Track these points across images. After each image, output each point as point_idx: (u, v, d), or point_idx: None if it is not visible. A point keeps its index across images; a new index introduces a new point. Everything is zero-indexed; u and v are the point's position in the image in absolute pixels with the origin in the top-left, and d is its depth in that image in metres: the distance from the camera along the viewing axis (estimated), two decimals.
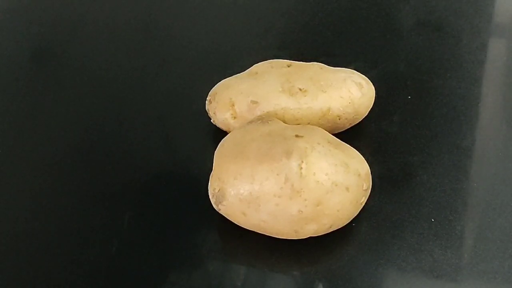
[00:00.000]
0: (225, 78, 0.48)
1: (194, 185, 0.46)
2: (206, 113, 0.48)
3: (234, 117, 0.46)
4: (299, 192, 0.37)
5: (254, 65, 0.48)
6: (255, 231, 0.40)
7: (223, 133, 0.47)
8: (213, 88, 0.48)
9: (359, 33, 0.59)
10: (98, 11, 0.64)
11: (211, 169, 0.41)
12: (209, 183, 0.41)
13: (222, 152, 0.41)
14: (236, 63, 0.52)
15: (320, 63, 0.47)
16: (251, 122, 0.42)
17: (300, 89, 0.44)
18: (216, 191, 0.40)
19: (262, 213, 0.38)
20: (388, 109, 0.50)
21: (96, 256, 0.41)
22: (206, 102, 0.47)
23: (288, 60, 0.47)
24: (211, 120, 0.47)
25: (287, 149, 0.38)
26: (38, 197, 0.45)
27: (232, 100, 0.45)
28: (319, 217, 0.38)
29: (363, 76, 0.47)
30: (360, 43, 0.58)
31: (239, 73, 0.48)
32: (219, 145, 0.42)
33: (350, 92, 0.45)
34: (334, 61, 0.48)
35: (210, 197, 0.41)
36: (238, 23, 0.62)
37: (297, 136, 0.39)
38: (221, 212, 0.40)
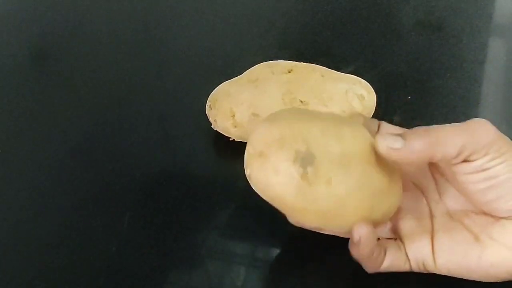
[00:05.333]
0: (225, 77, 0.48)
1: (194, 185, 0.46)
2: (206, 113, 0.48)
3: (235, 126, 0.46)
4: (383, 166, 0.35)
5: (254, 67, 0.47)
6: (317, 222, 0.35)
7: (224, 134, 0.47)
8: (213, 92, 0.47)
9: (359, 33, 0.59)
10: (98, 12, 0.64)
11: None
12: (276, 154, 0.33)
13: (286, 116, 0.35)
14: (236, 63, 0.52)
15: (321, 67, 0.47)
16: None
17: (301, 102, 0.44)
18: (303, 151, 0.33)
19: (350, 179, 0.33)
20: (388, 109, 0.50)
21: (96, 256, 0.41)
22: (206, 107, 0.47)
23: (288, 62, 0.47)
24: (211, 126, 0.47)
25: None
26: (38, 197, 0.45)
27: (232, 110, 0.45)
28: (388, 195, 0.36)
29: (365, 83, 0.47)
30: (360, 43, 0.58)
31: (239, 73, 0.48)
32: (268, 118, 0.36)
33: (351, 106, 0.45)
34: (334, 61, 0.49)
35: (283, 167, 0.33)
36: (238, 23, 0.62)
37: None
38: (306, 177, 0.33)
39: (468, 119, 0.35)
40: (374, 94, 0.47)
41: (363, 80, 0.47)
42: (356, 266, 0.39)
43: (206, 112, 0.47)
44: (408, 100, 0.51)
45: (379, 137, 0.34)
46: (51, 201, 0.45)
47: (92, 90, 0.55)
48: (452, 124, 0.34)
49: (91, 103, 0.53)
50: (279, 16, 0.62)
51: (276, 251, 0.41)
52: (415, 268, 0.37)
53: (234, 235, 0.42)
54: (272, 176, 0.33)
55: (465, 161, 0.34)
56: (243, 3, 0.64)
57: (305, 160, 0.33)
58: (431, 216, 0.38)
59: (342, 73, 0.48)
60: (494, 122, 0.32)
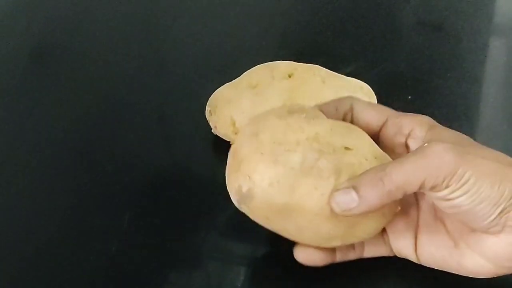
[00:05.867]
0: (225, 77, 0.48)
1: (194, 185, 0.46)
2: (206, 117, 0.48)
3: (236, 133, 0.46)
4: (337, 215, 0.34)
5: (253, 69, 0.47)
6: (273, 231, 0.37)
7: None
8: (212, 96, 0.47)
9: (359, 33, 0.59)
10: (98, 11, 0.64)
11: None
12: (231, 174, 0.36)
13: (257, 146, 0.34)
14: (236, 63, 0.52)
15: (322, 69, 0.47)
16: (291, 112, 0.36)
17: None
18: (243, 190, 0.34)
19: (290, 224, 0.35)
20: None
21: (96, 256, 0.41)
22: (206, 112, 0.47)
23: (289, 63, 0.47)
24: (212, 130, 0.47)
25: (337, 166, 0.34)
26: (38, 197, 0.45)
27: (233, 118, 0.45)
28: (346, 237, 0.36)
29: (367, 88, 0.47)
30: (360, 43, 0.58)
31: (239, 73, 0.48)
32: (249, 129, 0.36)
33: None
34: (334, 61, 0.48)
35: (231, 190, 0.35)
36: (238, 23, 0.62)
37: (346, 148, 0.35)
38: (241, 209, 0.36)
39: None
40: (376, 99, 0.47)
41: (365, 85, 0.47)
42: (358, 266, 0.39)
43: (207, 117, 0.47)
44: (408, 100, 0.51)
45: (331, 200, 0.33)
46: (51, 201, 0.45)
47: (92, 90, 0.55)
48: (408, 158, 0.33)
49: (90, 103, 0.53)
50: (279, 16, 0.62)
51: (275, 251, 0.41)
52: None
53: (234, 235, 0.42)
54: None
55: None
56: (243, 3, 0.64)
57: (244, 198, 0.34)
58: (418, 208, 0.38)
59: (343, 77, 0.47)
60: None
